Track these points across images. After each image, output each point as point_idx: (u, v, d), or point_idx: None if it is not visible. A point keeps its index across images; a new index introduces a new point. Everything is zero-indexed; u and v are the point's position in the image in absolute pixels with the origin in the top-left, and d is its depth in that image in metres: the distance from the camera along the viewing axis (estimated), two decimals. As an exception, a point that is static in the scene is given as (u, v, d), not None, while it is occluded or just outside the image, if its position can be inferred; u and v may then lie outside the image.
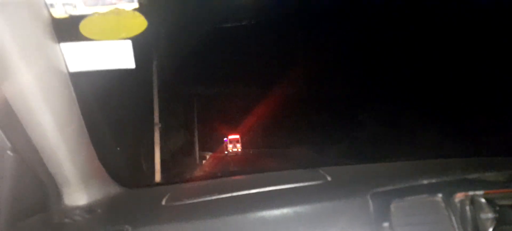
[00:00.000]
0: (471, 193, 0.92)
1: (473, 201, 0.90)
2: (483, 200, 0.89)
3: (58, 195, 1.15)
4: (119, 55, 1.03)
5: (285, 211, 0.94)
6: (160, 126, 8.79)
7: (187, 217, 0.99)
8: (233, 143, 27.16)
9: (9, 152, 1.00)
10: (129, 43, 1.03)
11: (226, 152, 27.15)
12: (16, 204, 1.04)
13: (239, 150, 26.90)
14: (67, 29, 0.98)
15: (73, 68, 1.02)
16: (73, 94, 1.05)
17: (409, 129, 10.68)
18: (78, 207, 1.16)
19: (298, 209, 0.95)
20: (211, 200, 1.09)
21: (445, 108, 10.13)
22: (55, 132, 0.98)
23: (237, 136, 27.94)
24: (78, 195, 1.18)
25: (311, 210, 0.94)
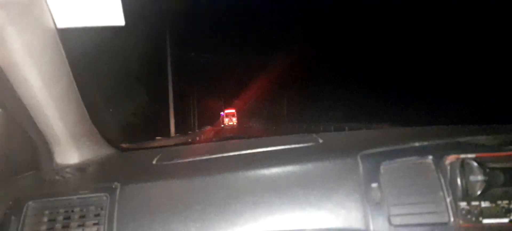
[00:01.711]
0: (462, 155, 0.92)
1: (463, 163, 0.90)
2: (474, 163, 0.88)
3: (49, 154, 1.15)
4: (107, 11, 1.00)
5: (275, 170, 0.95)
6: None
7: (177, 175, 0.99)
8: (229, 117, 28.45)
9: None
10: None
11: (222, 125, 28.16)
12: (7, 160, 1.03)
13: (235, 123, 28.12)
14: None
15: (60, 24, 0.98)
16: (62, 51, 1.02)
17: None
18: (69, 166, 1.16)
19: (289, 168, 0.95)
20: (202, 160, 1.09)
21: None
22: (43, 88, 0.97)
23: (233, 110, 29.14)
24: (69, 154, 1.18)
25: (302, 170, 0.94)
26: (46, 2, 0.94)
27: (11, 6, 0.83)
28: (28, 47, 0.89)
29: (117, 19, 1.01)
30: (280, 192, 0.91)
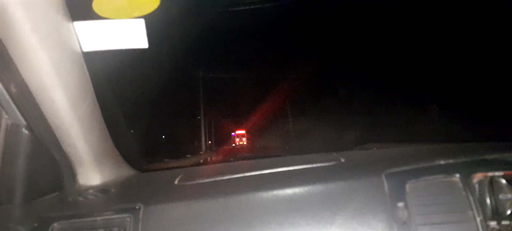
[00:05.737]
0: (490, 173, 0.89)
1: (492, 181, 0.88)
2: (502, 181, 0.87)
3: (72, 175, 1.17)
4: (132, 35, 1.02)
5: (298, 190, 0.94)
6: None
7: (199, 195, 0.98)
8: (240, 137, 30.58)
9: (24, 130, 1.01)
10: (142, 22, 1.02)
11: (233, 145, 29.90)
12: (32, 181, 1.05)
13: (245, 143, 30.09)
14: (80, 7, 0.97)
15: (86, 48, 1.01)
16: (87, 73, 1.05)
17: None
18: (91, 187, 1.17)
19: (311, 188, 0.94)
20: (224, 180, 1.09)
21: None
22: (68, 110, 0.99)
23: (243, 131, 31.44)
24: (91, 175, 1.19)
25: (325, 190, 0.93)
26: (73, 25, 0.97)
27: (42, 30, 0.86)
28: (56, 70, 0.92)
29: (141, 42, 1.03)
30: (304, 212, 0.90)
